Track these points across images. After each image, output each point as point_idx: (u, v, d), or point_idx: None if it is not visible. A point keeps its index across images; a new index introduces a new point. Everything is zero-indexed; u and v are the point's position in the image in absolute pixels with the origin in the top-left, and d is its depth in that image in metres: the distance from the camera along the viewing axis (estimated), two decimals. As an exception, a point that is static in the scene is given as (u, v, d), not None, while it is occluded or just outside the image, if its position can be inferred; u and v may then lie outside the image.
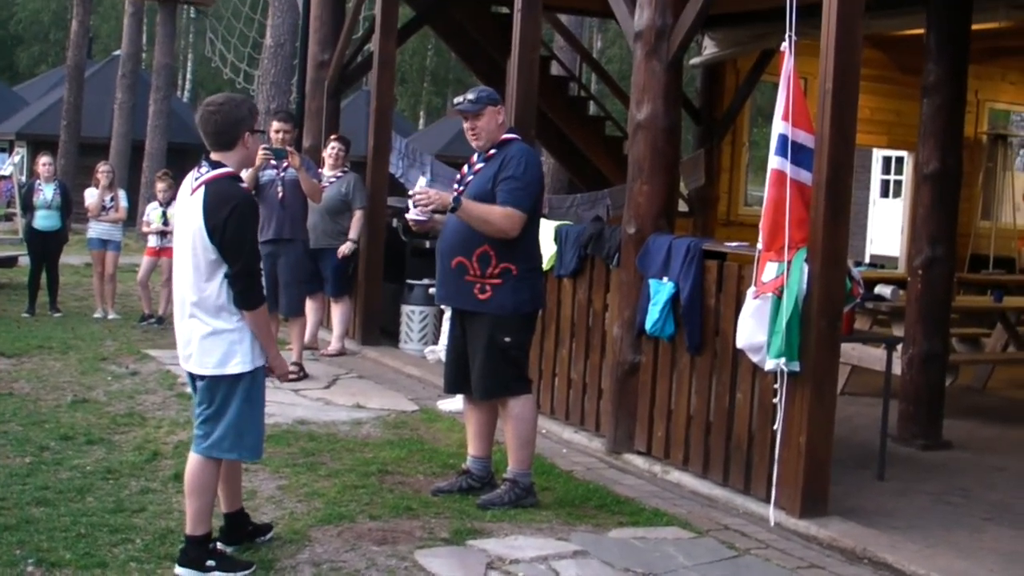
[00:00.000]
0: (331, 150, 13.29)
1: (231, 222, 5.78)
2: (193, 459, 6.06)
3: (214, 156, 5.99)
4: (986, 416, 11.55)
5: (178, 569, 5.98)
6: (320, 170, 13.04)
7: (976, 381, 13.11)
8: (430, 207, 7.36)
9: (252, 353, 5.95)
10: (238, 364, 5.91)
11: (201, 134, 6.04)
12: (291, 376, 11.08)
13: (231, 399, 5.96)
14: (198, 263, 5.85)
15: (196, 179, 5.94)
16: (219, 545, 6.20)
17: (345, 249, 12.94)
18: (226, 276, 5.84)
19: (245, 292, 5.87)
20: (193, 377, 6.07)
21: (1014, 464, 9.52)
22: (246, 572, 6.00)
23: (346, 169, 13.28)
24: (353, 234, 13.01)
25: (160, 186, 15.96)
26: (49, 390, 10.43)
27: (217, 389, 5.95)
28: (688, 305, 8.21)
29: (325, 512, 7.07)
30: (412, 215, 7.45)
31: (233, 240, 5.80)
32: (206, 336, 5.89)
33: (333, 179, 13.03)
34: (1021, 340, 12.99)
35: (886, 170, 25.02)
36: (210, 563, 5.98)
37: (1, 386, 10.49)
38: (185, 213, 5.95)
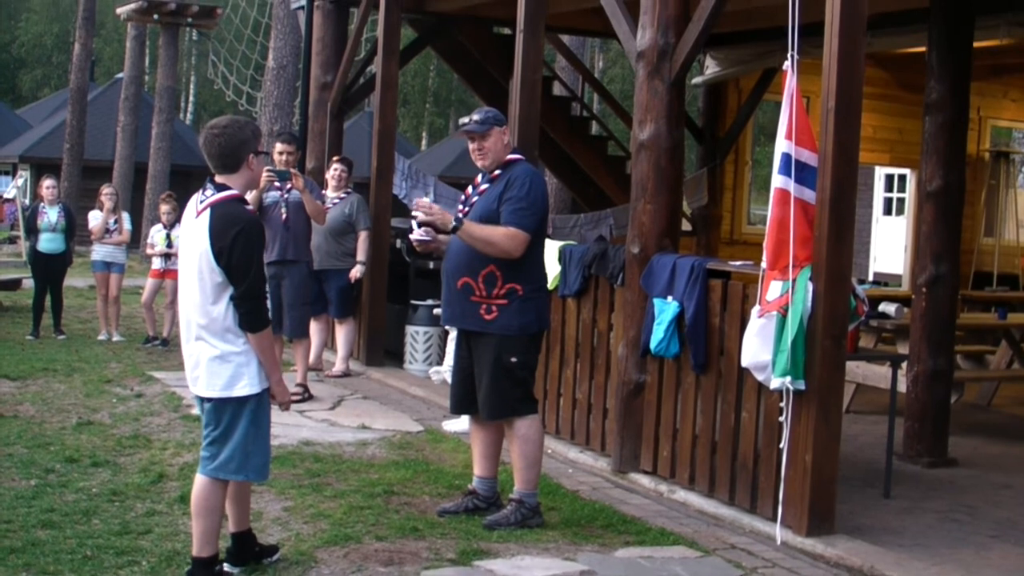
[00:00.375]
0: (334, 171, 13.32)
1: (237, 244, 5.80)
2: (200, 481, 6.06)
3: (219, 179, 6.00)
4: (991, 433, 11.54)
5: None
6: (323, 191, 13.05)
7: (981, 398, 13.10)
8: (430, 219, 7.39)
9: (259, 376, 5.97)
10: (245, 387, 5.92)
11: (205, 156, 6.05)
12: (295, 398, 11.13)
13: (238, 421, 5.97)
14: (204, 285, 5.87)
15: (201, 201, 5.96)
16: (226, 567, 6.20)
17: (356, 273, 12.95)
18: (231, 298, 5.85)
19: (250, 314, 5.88)
20: (201, 399, 6.08)
21: (1020, 481, 9.51)
22: None
23: (349, 190, 13.30)
24: (361, 256, 13.02)
25: (164, 208, 15.99)
26: (54, 412, 10.43)
27: (224, 411, 5.96)
28: (693, 324, 8.21)
29: (331, 533, 7.06)
30: (416, 235, 7.48)
31: (240, 262, 5.81)
32: (213, 359, 5.91)
33: (336, 200, 13.04)
34: (1026, 357, 12.98)
35: (889, 188, 25.04)
36: None
37: (6, 409, 10.49)
38: (191, 235, 5.96)
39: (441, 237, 7.64)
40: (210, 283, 5.85)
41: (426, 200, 7.63)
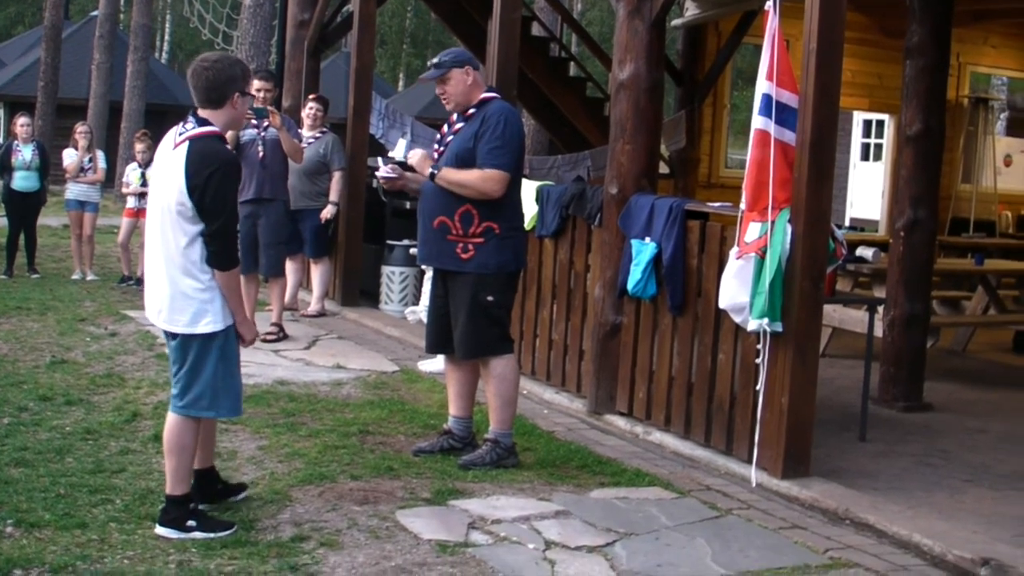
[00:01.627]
0: (309, 110, 13.23)
1: (212, 182, 5.75)
2: (171, 419, 6.04)
3: (202, 113, 5.94)
4: (966, 378, 11.58)
5: (159, 529, 5.97)
6: (299, 130, 12.97)
7: (956, 344, 13.14)
8: (397, 183, 7.43)
9: (223, 312, 5.93)
10: (209, 323, 5.89)
11: (191, 89, 6.00)
12: (269, 337, 11.12)
13: (206, 358, 5.94)
14: (173, 219, 5.81)
15: (180, 134, 5.89)
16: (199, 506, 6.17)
17: (327, 213, 12.89)
18: (201, 235, 5.79)
19: (220, 253, 5.85)
20: (168, 335, 6.05)
21: (994, 426, 9.54)
22: (227, 532, 5.98)
23: (325, 130, 13.21)
24: (334, 196, 12.96)
25: (139, 147, 15.90)
26: (27, 351, 10.38)
27: (190, 348, 5.93)
28: (670, 265, 8.18)
29: (306, 472, 7.05)
30: (382, 172, 7.49)
31: (213, 201, 5.77)
32: (177, 294, 5.87)
33: (311, 140, 12.95)
34: (1001, 303, 13.00)
35: (867, 133, 25.01)
36: (191, 523, 5.96)
37: (-21, 347, 10.45)
38: (165, 166, 5.90)
39: (408, 175, 7.63)
40: (180, 217, 5.79)
41: (402, 143, 7.62)
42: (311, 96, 13.61)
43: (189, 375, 5.95)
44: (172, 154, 5.87)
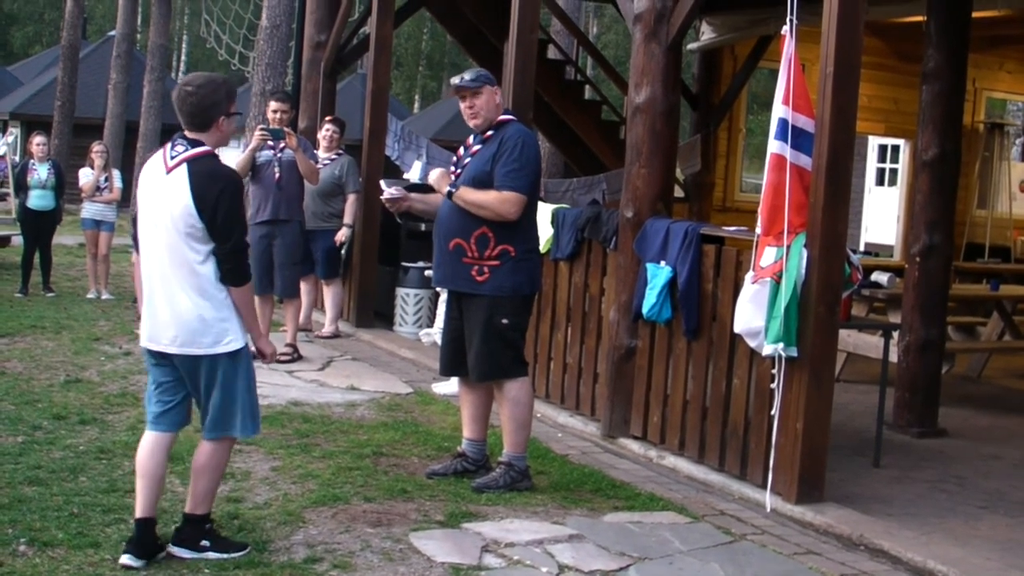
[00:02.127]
0: (325, 131, 13.24)
1: (223, 202, 5.71)
2: (205, 442, 5.96)
3: (189, 135, 5.89)
4: (981, 404, 11.54)
5: (172, 548, 5.94)
6: (315, 151, 13.00)
7: (971, 370, 13.10)
8: (401, 203, 7.44)
9: (242, 329, 5.89)
10: (232, 342, 5.83)
11: (176, 112, 5.95)
12: (283, 358, 11.14)
13: (235, 377, 5.87)
14: (182, 241, 5.72)
15: (172, 156, 5.81)
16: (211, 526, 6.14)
17: (342, 236, 12.88)
18: (214, 254, 5.77)
19: (235, 269, 5.80)
20: (181, 362, 5.89)
21: (1009, 453, 9.51)
22: (240, 553, 5.96)
23: (340, 152, 13.22)
24: (348, 219, 12.95)
25: None
26: (42, 370, 10.39)
27: (216, 369, 5.84)
28: (685, 289, 8.18)
29: (319, 494, 7.04)
30: (387, 194, 7.49)
31: (225, 219, 5.72)
32: (196, 317, 5.77)
33: (327, 161, 12.97)
34: (1017, 329, 12.98)
35: (882, 158, 25.02)
36: (205, 543, 5.94)
37: (-6, 365, 10.46)
38: (161, 190, 5.78)
39: (413, 195, 7.64)
40: (190, 239, 5.72)
41: (417, 166, 7.64)
42: (327, 118, 13.63)
43: (222, 397, 5.87)
44: (168, 178, 5.76)
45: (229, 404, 5.89)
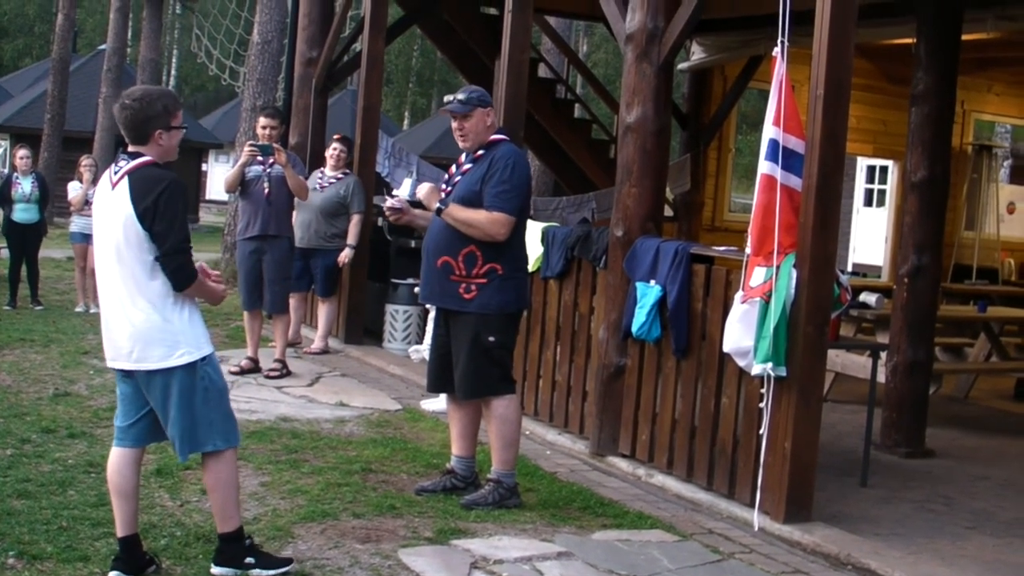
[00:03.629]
0: (333, 150, 13.17)
1: (161, 201, 5.59)
2: (207, 461, 5.88)
3: (131, 148, 5.81)
4: (968, 425, 11.58)
5: (215, 569, 5.89)
6: (321, 169, 13.02)
7: (958, 390, 13.15)
8: (403, 216, 7.45)
9: (197, 342, 5.75)
10: (184, 355, 5.69)
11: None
12: (273, 373, 11.15)
13: (193, 390, 5.73)
14: (132, 256, 5.65)
15: (116, 172, 5.75)
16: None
17: (344, 257, 12.86)
18: (156, 259, 5.64)
19: (179, 270, 5.66)
20: (141, 377, 5.80)
21: (996, 473, 9.54)
22: (285, 568, 5.92)
23: (348, 171, 13.18)
24: (352, 240, 12.90)
25: None
26: (31, 383, 10.39)
27: (171, 384, 5.71)
28: (675, 309, 8.20)
29: (308, 509, 7.05)
30: (388, 204, 7.51)
31: (164, 220, 5.59)
32: (148, 329, 5.68)
33: (333, 180, 12.94)
34: (1004, 350, 13.02)
35: (870, 179, 25.04)
36: (249, 560, 5.88)
37: (-18, 378, 10.45)
38: (108, 208, 5.73)
39: (415, 210, 7.66)
40: (139, 251, 5.64)
41: (408, 183, 7.66)
42: (336, 136, 13.52)
43: (180, 413, 5.73)
44: (113, 193, 5.71)
45: (189, 419, 5.73)
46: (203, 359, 5.77)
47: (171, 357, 5.69)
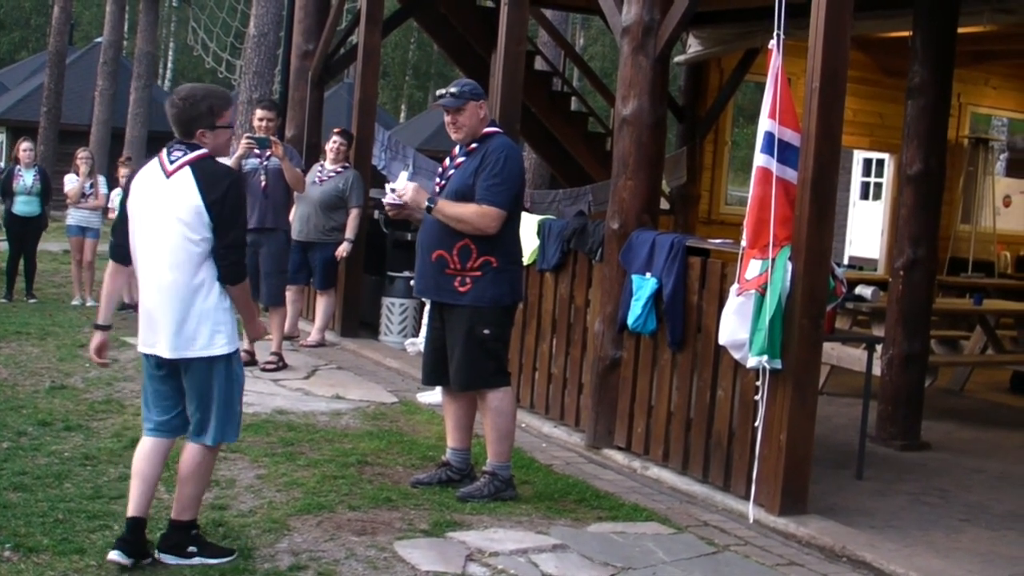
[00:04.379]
0: (333, 144, 13.14)
1: (230, 194, 5.83)
2: (192, 448, 5.99)
3: (186, 142, 5.97)
4: (964, 418, 11.60)
5: (160, 555, 5.96)
6: (321, 163, 13.01)
7: (954, 383, 13.16)
8: (402, 210, 7.45)
9: (234, 334, 5.95)
10: (225, 345, 5.88)
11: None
12: (269, 366, 11.15)
13: (221, 380, 5.92)
14: (182, 244, 5.78)
15: (172, 161, 5.87)
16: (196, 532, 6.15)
17: (342, 251, 12.83)
18: (213, 251, 5.80)
19: (236, 265, 5.88)
20: (178, 365, 5.94)
21: (991, 466, 9.56)
22: (228, 559, 5.98)
23: (347, 165, 13.15)
24: (350, 233, 12.86)
25: (123, 172, 15.94)
26: (27, 376, 10.39)
27: (205, 371, 5.89)
28: (671, 301, 8.21)
29: (304, 502, 7.06)
30: (388, 199, 7.50)
31: (232, 211, 5.82)
32: (190, 319, 5.81)
33: (333, 173, 12.90)
34: (999, 343, 13.03)
35: (867, 172, 25.07)
36: (192, 549, 5.96)
37: (-22, 371, 10.46)
38: (162, 196, 5.83)
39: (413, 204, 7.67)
40: (191, 240, 5.77)
41: (404, 176, 7.67)
42: (336, 130, 13.47)
43: (205, 400, 5.93)
44: (170, 182, 5.83)
45: (226, 407, 5.95)
46: (236, 352, 5.99)
47: (213, 346, 5.87)
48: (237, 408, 6.03)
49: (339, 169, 13.02)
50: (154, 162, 6.00)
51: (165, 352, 5.88)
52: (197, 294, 5.83)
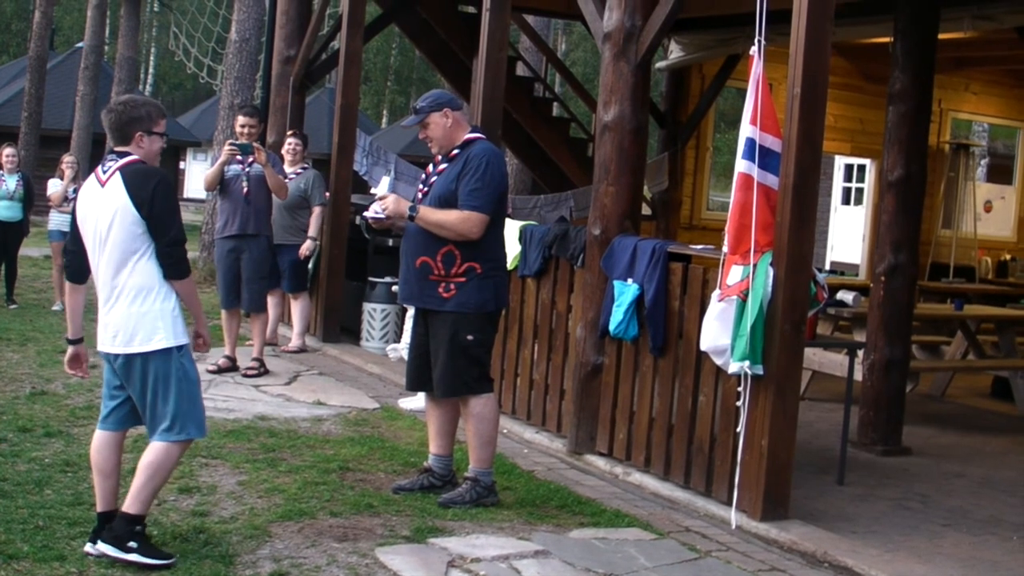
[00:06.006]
0: (288, 145, 13.25)
1: (158, 194, 5.93)
2: (151, 444, 6.06)
3: (117, 150, 6.13)
4: (945, 423, 11.62)
5: (100, 544, 5.99)
6: (283, 166, 13.01)
7: (935, 388, 13.19)
8: (384, 223, 7.47)
9: (175, 330, 6.01)
10: (163, 340, 5.96)
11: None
12: (251, 372, 11.13)
13: (168, 377, 5.99)
14: (122, 246, 5.92)
15: (105, 171, 6.05)
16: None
17: (305, 249, 12.87)
18: (156, 250, 5.94)
19: (178, 262, 6.02)
20: (124, 363, 6.05)
21: (972, 471, 9.58)
22: (165, 562, 5.94)
23: (306, 166, 13.24)
24: (312, 232, 12.96)
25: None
26: (7, 382, 10.35)
27: (148, 368, 5.98)
28: (652, 307, 8.21)
29: (285, 508, 7.04)
30: (372, 212, 7.51)
31: (162, 211, 5.93)
32: (131, 316, 5.97)
33: (293, 175, 12.95)
34: (980, 348, 13.06)
35: (848, 178, 25.07)
36: (132, 544, 5.95)
37: (-42, 377, 10.41)
38: (98, 204, 6.00)
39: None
40: (129, 243, 5.92)
41: (386, 181, 7.69)
42: (290, 132, 13.65)
43: (153, 397, 6.00)
44: (104, 190, 5.99)
45: (162, 404, 6.00)
46: (179, 348, 6.04)
47: (150, 342, 5.97)
48: (190, 405, 6.06)
49: (299, 170, 13.10)
50: (91, 176, 6.18)
51: (111, 347, 6.03)
52: (140, 294, 5.96)
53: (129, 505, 6.02)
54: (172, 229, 5.96)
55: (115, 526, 6.01)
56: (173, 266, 5.99)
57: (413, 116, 7.57)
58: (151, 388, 6.00)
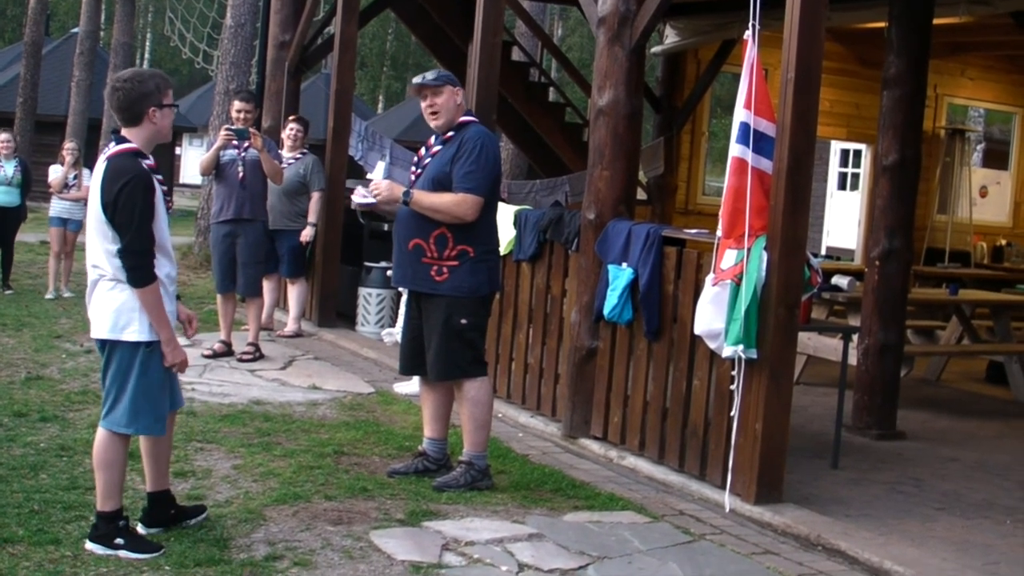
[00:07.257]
0: (289, 131, 13.26)
1: (121, 197, 5.75)
2: (99, 433, 6.05)
3: (123, 132, 5.98)
4: (939, 407, 11.64)
5: (87, 543, 5.97)
6: (280, 151, 13.01)
7: (930, 373, 13.21)
8: (379, 199, 7.43)
9: (149, 327, 5.91)
10: (133, 332, 5.88)
11: (111, 109, 6.04)
12: (246, 356, 11.15)
13: (129, 370, 5.92)
14: (100, 236, 5.87)
15: (104, 155, 5.97)
16: (138, 527, 6.17)
17: (306, 235, 12.91)
18: (117, 252, 5.82)
19: (135, 270, 5.82)
20: (99, 346, 6.06)
21: (966, 455, 9.59)
22: (154, 554, 5.93)
23: (305, 151, 13.25)
24: (312, 218, 13.00)
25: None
26: (2, 367, 10.35)
27: (113, 357, 5.94)
28: (647, 291, 8.22)
29: (280, 492, 7.06)
30: (358, 198, 7.50)
31: (123, 216, 5.76)
32: (107, 301, 5.90)
33: (291, 160, 12.98)
34: (975, 333, 13.07)
35: (844, 163, 25.12)
36: (119, 540, 5.94)
37: (-46, 362, 10.41)
38: (92, 186, 5.97)
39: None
40: (104, 233, 5.85)
41: (381, 166, 7.68)
42: (291, 117, 13.65)
43: (112, 387, 5.96)
44: (95, 174, 5.94)
45: (116, 396, 5.95)
46: (148, 345, 5.93)
47: (118, 331, 5.89)
48: (145, 402, 5.95)
49: (298, 156, 13.13)
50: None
51: (93, 332, 5.98)
52: (118, 284, 5.88)
53: (100, 502, 6.01)
54: (128, 233, 5.77)
55: (98, 525, 6.00)
56: (129, 271, 5.81)
57: (430, 78, 7.47)
58: (111, 375, 5.96)
